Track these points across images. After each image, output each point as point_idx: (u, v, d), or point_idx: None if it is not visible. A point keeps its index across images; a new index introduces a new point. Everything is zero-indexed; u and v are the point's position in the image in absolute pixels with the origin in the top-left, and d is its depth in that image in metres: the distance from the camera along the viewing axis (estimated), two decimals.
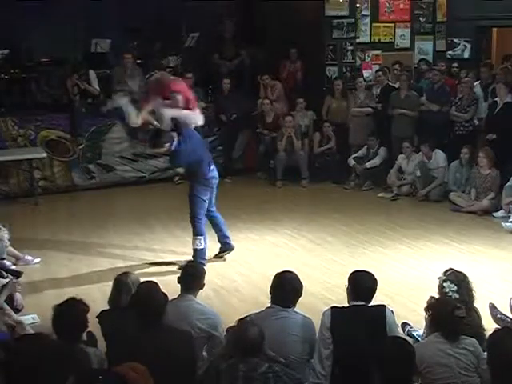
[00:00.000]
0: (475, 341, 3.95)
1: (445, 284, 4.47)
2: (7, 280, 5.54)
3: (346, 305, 4.23)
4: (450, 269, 4.64)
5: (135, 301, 4.07)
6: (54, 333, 3.78)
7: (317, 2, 11.11)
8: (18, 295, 5.53)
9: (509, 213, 8.29)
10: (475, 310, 4.57)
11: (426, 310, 4.26)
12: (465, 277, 4.55)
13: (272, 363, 3.62)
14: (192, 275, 4.72)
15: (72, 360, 3.37)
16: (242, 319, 4.44)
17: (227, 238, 7.19)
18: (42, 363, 2.86)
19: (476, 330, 4.37)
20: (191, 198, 6.81)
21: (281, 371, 3.57)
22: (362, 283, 4.19)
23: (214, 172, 6.88)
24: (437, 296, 4.51)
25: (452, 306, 4.04)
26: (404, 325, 5.21)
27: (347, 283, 4.24)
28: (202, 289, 4.76)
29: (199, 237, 6.76)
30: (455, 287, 4.44)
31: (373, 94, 10.46)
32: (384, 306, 4.18)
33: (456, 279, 4.49)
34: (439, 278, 4.58)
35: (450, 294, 4.42)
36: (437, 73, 9.98)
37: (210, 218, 7.05)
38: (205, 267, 6.65)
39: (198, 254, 6.76)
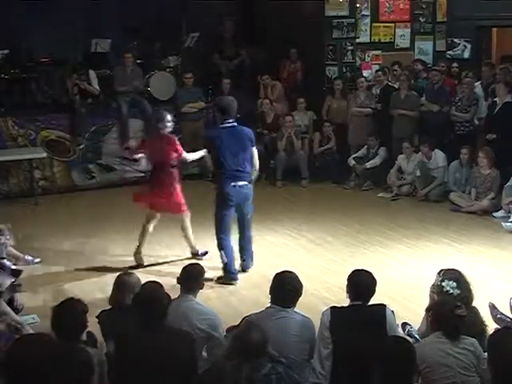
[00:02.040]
0: (475, 341, 3.95)
1: (443, 283, 4.47)
2: (7, 281, 5.54)
3: (346, 304, 4.23)
4: (442, 269, 4.66)
5: (138, 301, 4.05)
6: (53, 333, 3.78)
7: (317, 1, 11.12)
8: (17, 295, 5.54)
9: (509, 213, 8.29)
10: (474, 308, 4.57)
11: (427, 310, 4.26)
12: (460, 273, 4.57)
13: (275, 364, 3.61)
14: (192, 275, 4.71)
15: (72, 360, 3.38)
16: (240, 322, 4.44)
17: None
18: (42, 363, 2.87)
19: (478, 327, 4.37)
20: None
21: (283, 372, 3.56)
22: (360, 282, 4.18)
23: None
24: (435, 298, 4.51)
25: (452, 305, 4.05)
26: (404, 325, 5.20)
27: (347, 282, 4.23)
28: (201, 289, 4.76)
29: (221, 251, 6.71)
30: (454, 283, 4.44)
31: (373, 94, 10.45)
32: (384, 306, 4.17)
33: (453, 276, 4.51)
34: (436, 280, 4.58)
35: (451, 291, 4.41)
36: (436, 73, 9.97)
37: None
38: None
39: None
